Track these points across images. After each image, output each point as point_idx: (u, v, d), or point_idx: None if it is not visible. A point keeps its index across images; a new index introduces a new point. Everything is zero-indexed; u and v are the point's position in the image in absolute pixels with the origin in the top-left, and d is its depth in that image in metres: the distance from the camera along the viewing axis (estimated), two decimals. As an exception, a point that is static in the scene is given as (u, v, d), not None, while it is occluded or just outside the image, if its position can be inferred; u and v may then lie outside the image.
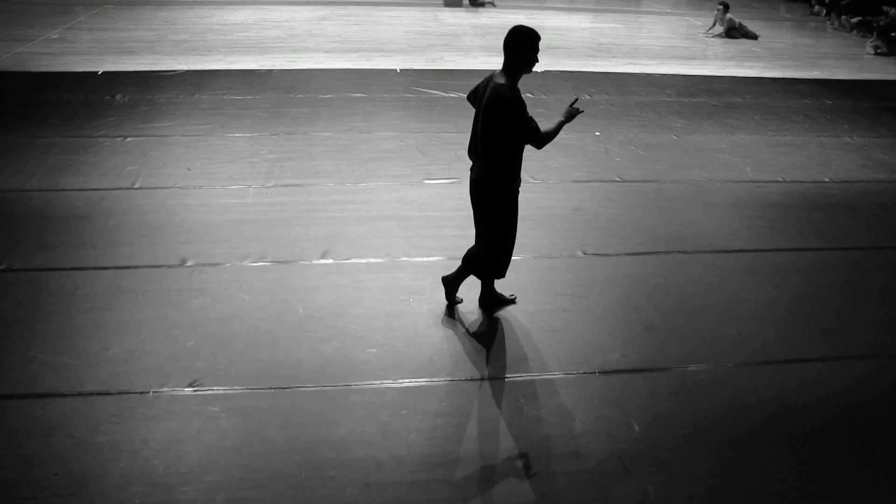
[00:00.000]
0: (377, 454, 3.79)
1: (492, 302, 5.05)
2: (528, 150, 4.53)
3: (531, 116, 4.31)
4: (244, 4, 15.88)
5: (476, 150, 4.55)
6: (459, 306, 5.07)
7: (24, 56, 10.96)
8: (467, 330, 4.84)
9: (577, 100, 4.77)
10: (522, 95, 4.32)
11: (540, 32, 4.44)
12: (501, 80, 4.33)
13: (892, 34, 13.99)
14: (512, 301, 5.12)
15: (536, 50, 4.32)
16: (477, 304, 5.09)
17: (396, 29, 14.09)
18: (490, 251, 4.75)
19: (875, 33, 14.34)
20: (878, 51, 13.90)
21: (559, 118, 4.57)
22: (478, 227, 4.78)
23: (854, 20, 15.80)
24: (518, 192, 4.65)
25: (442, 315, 4.97)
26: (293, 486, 3.58)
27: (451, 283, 5.03)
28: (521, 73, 4.36)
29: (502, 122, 4.29)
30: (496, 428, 4.01)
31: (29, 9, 14.33)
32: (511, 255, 4.83)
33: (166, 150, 7.54)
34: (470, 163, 4.68)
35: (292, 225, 6.09)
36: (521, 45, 4.28)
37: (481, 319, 4.96)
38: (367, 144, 7.92)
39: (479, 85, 4.58)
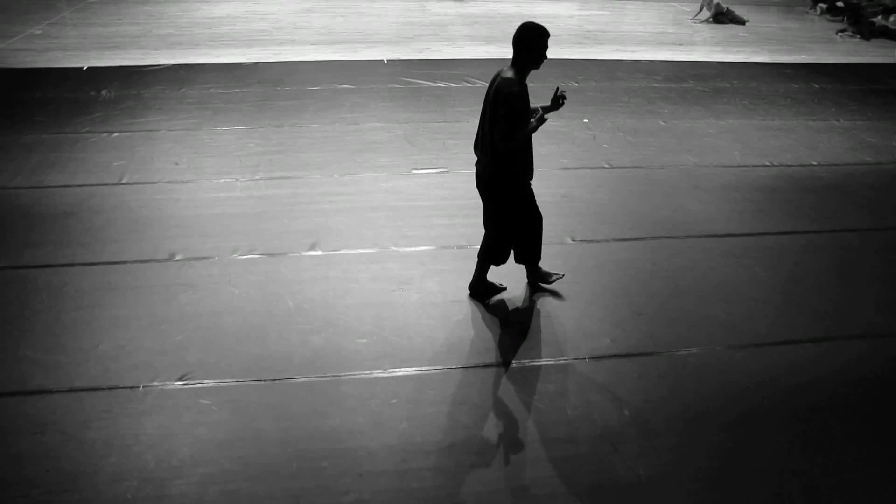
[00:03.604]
0: (369, 444, 3.79)
1: (482, 289, 5.06)
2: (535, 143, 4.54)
3: (524, 117, 4.31)
4: (229, -3, 15.77)
5: (482, 144, 4.57)
6: (447, 295, 5.06)
7: (6, 53, 10.88)
8: (457, 318, 4.83)
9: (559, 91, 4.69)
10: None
11: (527, 20, 4.45)
12: (509, 74, 4.38)
13: (864, 24, 14.00)
14: (502, 289, 5.12)
15: (545, 46, 4.36)
16: (464, 293, 5.09)
17: (383, 20, 14.03)
18: (494, 239, 4.82)
19: (844, 19, 14.38)
20: (843, 34, 13.92)
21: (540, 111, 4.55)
22: (485, 217, 4.84)
23: (824, 5, 15.80)
24: (528, 186, 4.69)
25: (431, 304, 4.96)
26: (285, 477, 3.58)
27: (478, 285, 5.05)
28: (530, 68, 4.41)
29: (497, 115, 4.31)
30: (487, 415, 4.02)
31: (10, 4, 14.20)
32: (527, 241, 4.91)
33: (153, 145, 7.50)
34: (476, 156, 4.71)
35: (281, 217, 6.08)
36: (530, 40, 4.34)
37: (471, 308, 4.95)
38: (354, 136, 7.90)
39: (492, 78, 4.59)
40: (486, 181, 4.63)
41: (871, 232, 6.24)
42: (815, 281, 5.44)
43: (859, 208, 6.64)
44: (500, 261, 4.94)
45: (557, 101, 4.54)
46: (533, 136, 4.53)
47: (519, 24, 4.42)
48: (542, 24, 4.45)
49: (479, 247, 5.04)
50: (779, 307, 5.09)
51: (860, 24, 13.91)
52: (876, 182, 7.22)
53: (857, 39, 13.75)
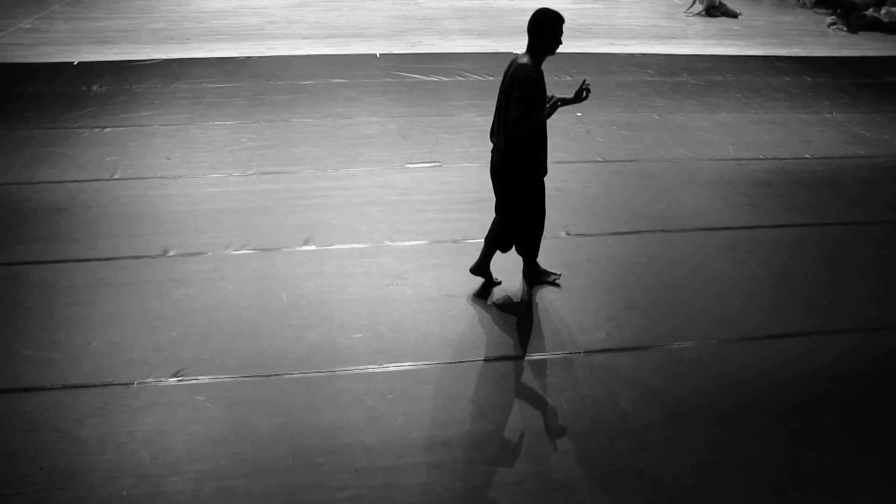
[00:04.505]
0: (365, 439, 3.78)
1: (482, 273, 5.07)
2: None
3: (539, 102, 4.31)
4: (221, -9, 15.68)
5: (497, 133, 4.58)
6: (441, 290, 5.05)
7: (-3, 48, 10.80)
8: (452, 313, 4.83)
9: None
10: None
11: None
12: (524, 60, 4.42)
13: (854, 17, 13.95)
14: (497, 283, 5.12)
15: (560, 32, 4.40)
16: (461, 286, 5.08)
17: (375, 14, 13.97)
18: (503, 226, 4.85)
19: (837, 12, 14.32)
20: (835, 27, 13.88)
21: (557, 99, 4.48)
22: (496, 204, 4.87)
23: None
24: (542, 182, 4.73)
25: (426, 299, 4.95)
26: (281, 473, 3.58)
27: (480, 270, 5.06)
28: (545, 55, 4.44)
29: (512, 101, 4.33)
30: (483, 410, 4.02)
31: (0, -1, 14.08)
32: (529, 235, 4.94)
33: (145, 140, 7.46)
34: (491, 145, 4.76)
35: (274, 212, 6.05)
36: (545, 27, 4.37)
37: (466, 303, 4.95)
38: (347, 130, 7.87)
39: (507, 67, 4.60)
40: (500, 168, 4.63)
41: (864, 225, 6.26)
42: (809, 274, 5.45)
43: (852, 202, 6.66)
44: (506, 248, 4.99)
45: (580, 95, 4.47)
46: (535, 134, 4.50)
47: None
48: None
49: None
50: (772, 301, 5.10)
51: (849, 17, 13.89)
52: (869, 175, 7.24)
53: (844, 32, 13.74)
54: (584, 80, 4.52)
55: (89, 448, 3.69)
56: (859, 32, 13.71)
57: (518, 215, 4.78)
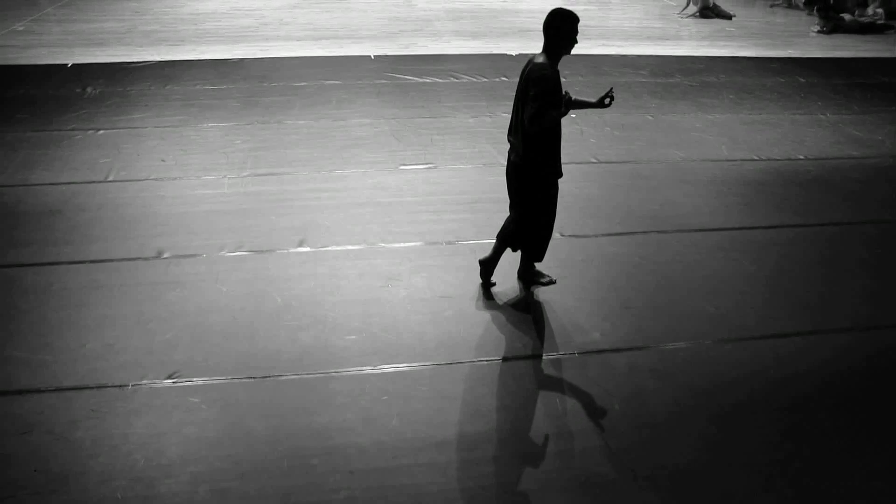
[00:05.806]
0: (359, 441, 3.78)
1: (488, 267, 5.07)
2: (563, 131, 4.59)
3: (554, 99, 4.33)
4: (214, -7, 15.67)
5: (515, 131, 4.60)
6: (435, 291, 5.05)
7: (-10, 50, 10.77)
8: (446, 314, 4.83)
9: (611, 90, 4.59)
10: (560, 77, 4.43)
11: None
12: (540, 59, 4.47)
13: (831, 13, 13.97)
14: (492, 284, 5.12)
15: (575, 31, 4.46)
16: (455, 287, 5.08)
17: (368, 15, 13.99)
18: (517, 224, 4.86)
19: (815, 11, 14.34)
20: (823, 29, 13.88)
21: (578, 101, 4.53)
22: (511, 204, 4.89)
23: None
24: (556, 184, 4.75)
25: (420, 300, 4.95)
26: (276, 475, 3.57)
27: (488, 264, 5.07)
28: (561, 53, 4.50)
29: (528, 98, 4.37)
30: (477, 411, 4.02)
31: (-7, 2, 14.06)
32: (537, 237, 4.92)
33: (139, 142, 7.45)
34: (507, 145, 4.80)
35: (268, 214, 6.05)
36: (560, 26, 4.42)
37: (460, 303, 4.95)
38: (341, 131, 7.87)
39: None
40: (518, 165, 4.66)
41: (856, 225, 6.28)
42: (802, 274, 5.47)
43: (845, 201, 6.68)
44: (517, 246, 5.01)
45: (603, 101, 4.49)
46: (550, 132, 4.54)
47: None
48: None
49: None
50: (766, 300, 5.12)
51: (827, 16, 13.91)
52: (861, 176, 7.26)
53: (824, 32, 13.75)
54: (611, 88, 4.57)
55: (83, 451, 3.68)
56: (843, 34, 13.73)
57: (534, 211, 4.77)
